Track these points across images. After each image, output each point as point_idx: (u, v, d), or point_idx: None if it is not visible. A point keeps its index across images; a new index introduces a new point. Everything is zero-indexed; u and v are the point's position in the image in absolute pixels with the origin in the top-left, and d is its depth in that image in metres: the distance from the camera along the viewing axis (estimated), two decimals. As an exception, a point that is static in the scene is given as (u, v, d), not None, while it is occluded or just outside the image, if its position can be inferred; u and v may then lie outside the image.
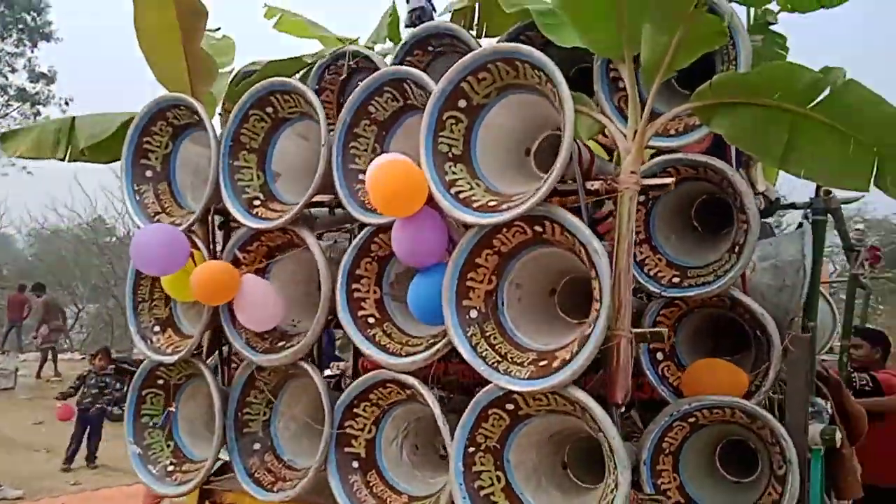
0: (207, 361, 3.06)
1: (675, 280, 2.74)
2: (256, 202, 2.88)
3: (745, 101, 2.51)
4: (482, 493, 2.31)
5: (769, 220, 3.86)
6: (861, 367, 4.55)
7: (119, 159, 3.23)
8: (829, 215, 3.43)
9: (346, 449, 2.67)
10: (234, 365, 3.16)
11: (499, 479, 2.34)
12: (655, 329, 2.49)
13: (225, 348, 3.15)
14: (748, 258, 2.59)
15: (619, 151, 2.50)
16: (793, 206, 3.70)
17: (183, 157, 3.20)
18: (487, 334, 2.35)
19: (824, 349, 4.66)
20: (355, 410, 2.68)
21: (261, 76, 3.12)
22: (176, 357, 2.91)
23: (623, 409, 2.35)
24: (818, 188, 3.44)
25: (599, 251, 2.10)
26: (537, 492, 2.37)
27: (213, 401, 2.86)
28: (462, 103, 2.44)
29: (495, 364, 2.27)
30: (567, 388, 2.11)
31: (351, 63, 3.39)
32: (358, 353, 3.14)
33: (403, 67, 2.69)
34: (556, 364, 2.16)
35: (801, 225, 3.22)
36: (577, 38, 2.65)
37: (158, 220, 3.04)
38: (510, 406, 2.30)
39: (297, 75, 3.47)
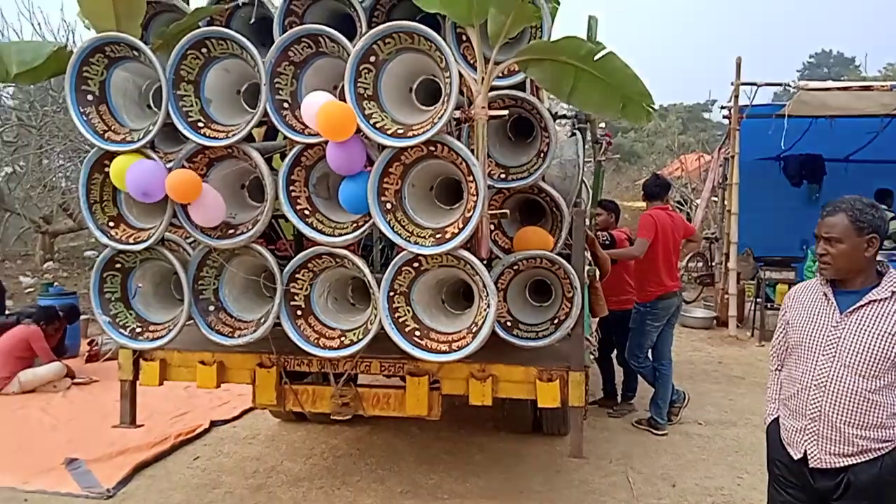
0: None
1: (503, 176, 4.09)
2: (200, 124, 3.71)
3: (548, 58, 3.83)
4: (400, 320, 3.61)
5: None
6: (602, 228, 6.42)
7: (39, 81, 3.82)
8: (587, 123, 5.04)
9: (292, 303, 3.79)
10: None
11: (408, 312, 3.64)
12: (502, 210, 3.88)
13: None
14: (550, 161, 4.02)
15: (472, 91, 3.73)
16: (565, 116, 5.24)
17: (115, 84, 3.86)
18: (399, 219, 3.56)
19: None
20: (297, 276, 3.78)
21: (192, 19, 3.82)
22: (142, 245, 3.75)
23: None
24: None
25: (477, 164, 3.37)
26: (431, 318, 3.72)
27: (180, 277, 3.78)
28: (372, 59, 3.50)
29: (407, 238, 3.51)
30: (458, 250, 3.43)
31: (241, 1, 4.20)
32: (300, 237, 4.15)
33: (320, 26, 3.62)
34: (447, 236, 3.46)
35: (573, 133, 4.73)
36: (438, 6, 3.76)
37: (108, 138, 3.74)
38: (416, 264, 3.58)
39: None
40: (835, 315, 2.60)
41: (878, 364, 2.49)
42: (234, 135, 3.63)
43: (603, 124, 6.95)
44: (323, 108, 3.35)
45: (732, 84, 9.35)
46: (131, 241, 3.80)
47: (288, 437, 5.77)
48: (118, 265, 3.93)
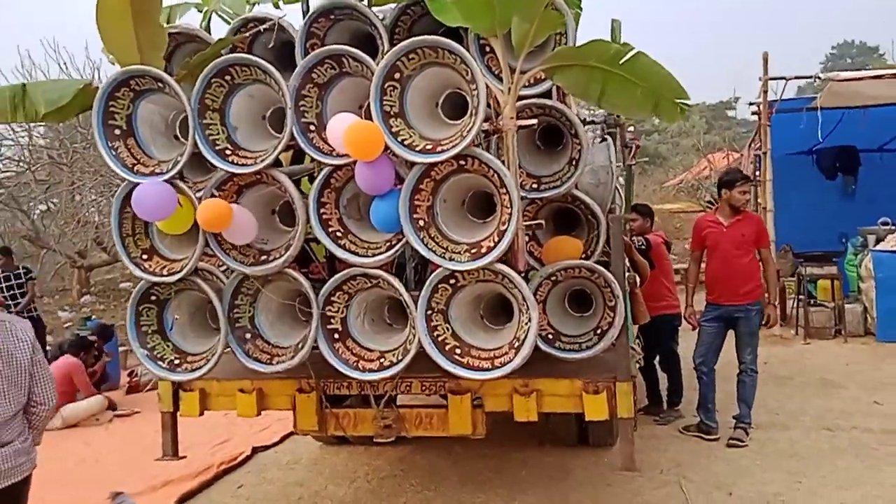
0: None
1: (534, 186, 4.01)
2: (228, 152, 3.69)
3: (575, 63, 3.75)
4: (439, 338, 3.53)
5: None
6: (638, 232, 6.30)
7: (68, 119, 3.84)
8: (616, 127, 4.95)
9: (328, 326, 3.73)
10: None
11: (447, 329, 3.57)
12: (536, 221, 3.79)
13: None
14: (583, 168, 3.93)
15: (499, 102, 3.66)
16: (593, 122, 5.15)
17: (142, 116, 3.86)
18: (432, 235, 3.49)
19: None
20: (332, 298, 3.72)
21: (214, 49, 3.81)
22: (176, 277, 3.73)
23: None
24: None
25: (509, 176, 3.30)
26: (471, 334, 3.63)
27: (215, 307, 3.76)
28: (397, 75, 3.46)
29: (442, 255, 3.44)
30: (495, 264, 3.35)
31: (262, 27, 4.18)
32: (332, 259, 4.10)
33: (344, 47, 3.60)
34: (483, 251, 3.38)
35: (604, 139, 4.63)
36: (460, 20, 3.70)
37: (137, 171, 3.74)
38: (452, 281, 3.51)
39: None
40: None
41: None
42: (262, 160, 3.60)
43: (632, 128, 6.85)
44: (350, 128, 3.30)
45: (760, 79, 9.18)
46: (165, 272, 3.79)
47: (330, 461, 5.72)
48: (153, 297, 3.92)
